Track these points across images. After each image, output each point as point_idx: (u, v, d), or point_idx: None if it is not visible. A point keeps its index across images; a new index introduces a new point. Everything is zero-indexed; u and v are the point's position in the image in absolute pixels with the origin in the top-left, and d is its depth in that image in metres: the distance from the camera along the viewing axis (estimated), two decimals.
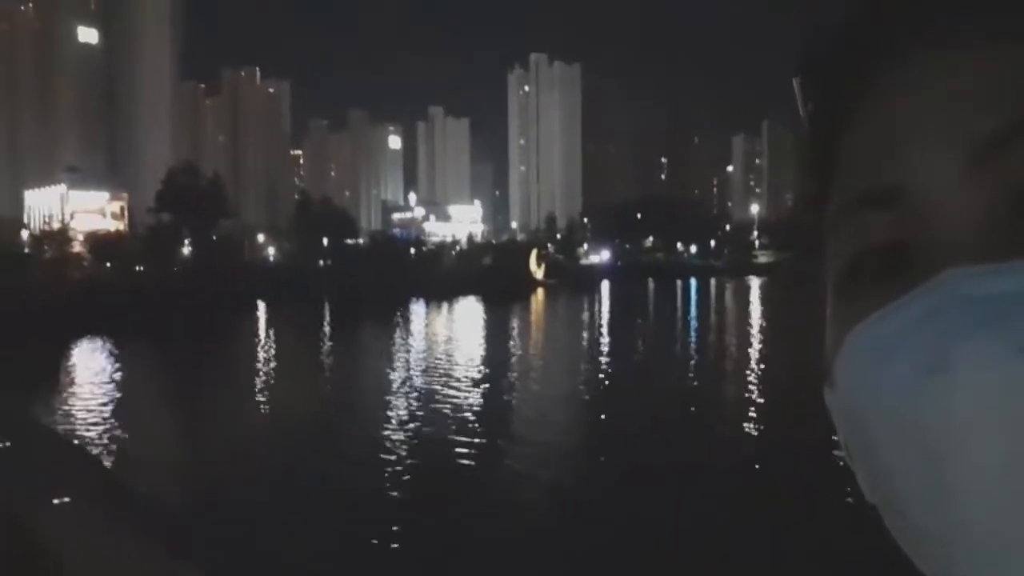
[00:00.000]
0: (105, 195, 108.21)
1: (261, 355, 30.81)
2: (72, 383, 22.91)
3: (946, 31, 0.35)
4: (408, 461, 13.28)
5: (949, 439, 0.31)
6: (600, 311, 56.49)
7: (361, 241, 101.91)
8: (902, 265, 0.35)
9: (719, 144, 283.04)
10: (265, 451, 14.18)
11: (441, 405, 18.18)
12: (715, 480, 11.69)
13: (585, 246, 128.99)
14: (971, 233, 0.33)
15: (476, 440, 14.71)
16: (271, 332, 41.62)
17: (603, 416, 17.40)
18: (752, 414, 17.05)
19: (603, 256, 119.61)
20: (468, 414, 17.34)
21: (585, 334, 38.51)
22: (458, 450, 13.89)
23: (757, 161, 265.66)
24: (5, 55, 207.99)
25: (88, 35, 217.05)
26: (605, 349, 31.64)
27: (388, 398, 19.42)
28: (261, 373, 25.22)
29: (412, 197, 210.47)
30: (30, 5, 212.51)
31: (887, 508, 0.35)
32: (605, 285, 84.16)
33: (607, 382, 22.59)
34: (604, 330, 41.34)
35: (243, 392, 20.65)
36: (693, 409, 17.88)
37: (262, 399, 20.56)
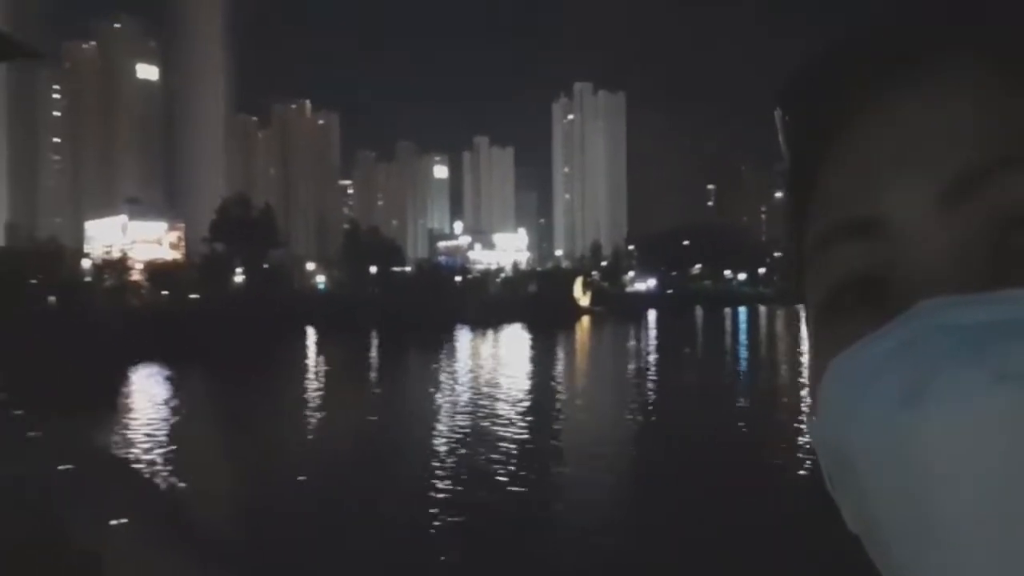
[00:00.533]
0: (163, 225, 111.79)
1: (311, 382, 31.19)
2: (130, 408, 23.48)
3: (925, 67, 0.36)
4: (457, 490, 13.19)
5: (927, 471, 0.31)
6: (647, 340, 55.81)
7: (408, 269, 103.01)
8: (880, 296, 0.36)
9: (767, 170, 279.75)
10: (317, 476, 14.24)
11: (488, 434, 18.07)
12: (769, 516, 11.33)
13: (631, 274, 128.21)
14: (947, 265, 0.34)
15: (523, 471, 14.55)
16: (320, 358, 42.17)
17: (652, 449, 17.07)
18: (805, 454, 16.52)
19: (649, 284, 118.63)
20: (515, 444, 17.19)
21: (632, 364, 38.04)
22: (506, 480, 13.75)
23: None
24: (69, 92, 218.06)
25: (147, 72, 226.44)
26: (652, 379, 31.17)
27: (435, 425, 19.40)
28: (312, 400, 25.49)
29: (458, 226, 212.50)
30: (93, 44, 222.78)
31: (869, 539, 0.35)
32: (652, 313, 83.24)
33: (655, 415, 22.19)
34: (651, 359, 40.79)
35: (295, 418, 20.88)
36: (743, 444, 17.43)
37: (314, 426, 20.75)
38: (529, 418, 20.89)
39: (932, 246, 0.34)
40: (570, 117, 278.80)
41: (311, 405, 24.41)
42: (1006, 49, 0.35)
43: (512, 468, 14.69)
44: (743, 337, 56.82)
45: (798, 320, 76.56)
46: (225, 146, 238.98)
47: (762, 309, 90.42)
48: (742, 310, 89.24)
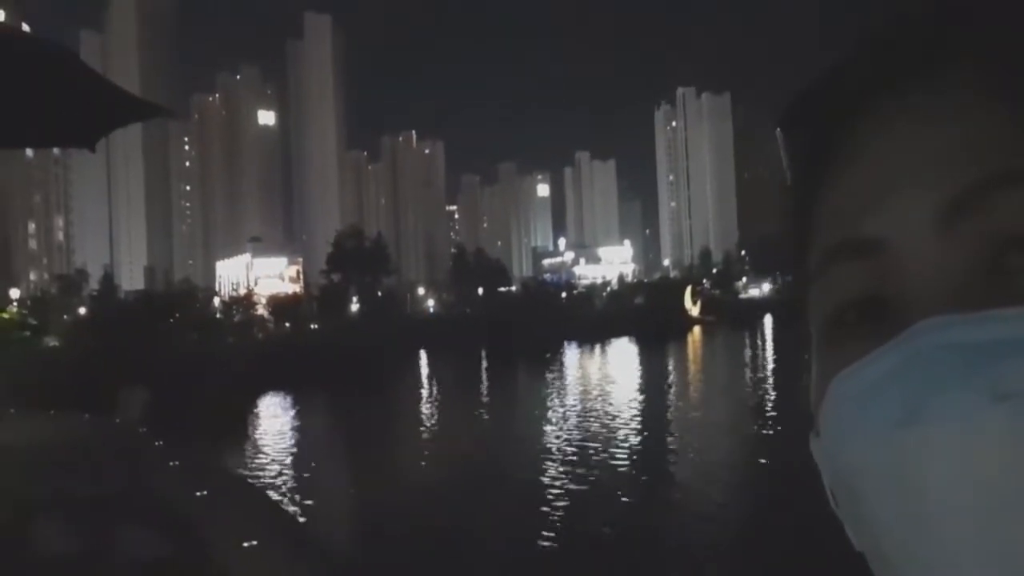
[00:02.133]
0: (283, 260, 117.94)
1: (425, 404, 32.27)
2: (258, 434, 25.11)
3: (922, 87, 0.37)
4: (572, 508, 13.38)
5: (926, 490, 0.31)
6: (763, 348, 53.98)
7: (514, 289, 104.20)
8: (881, 316, 0.36)
9: None
10: (433, 495, 14.77)
11: (598, 452, 18.15)
12: None
13: (744, 280, 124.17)
14: (945, 284, 0.34)
15: (637, 492, 14.56)
16: (433, 380, 43.45)
17: (769, 468, 16.64)
18: None
19: (763, 289, 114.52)
20: (627, 464, 17.19)
21: (748, 373, 36.97)
22: (621, 498, 13.82)
23: None
24: (197, 142, 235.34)
25: (267, 118, 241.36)
26: (770, 392, 30.21)
27: (544, 443, 19.67)
28: (426, 420, 26.42)
29: (562, 242, 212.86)
30: (216, 96, 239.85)
31: (874, 557, 0.35)
32: (767, 320, 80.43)
33: (774, 429, 21.55)
34: (768, 371, 39.47)
35: (411, 440, 21.73)
36: None
37: (429, 446, 21.51)
38: (637, 436, 20.81)
39: (930, 266, 0.35)
40: (673, 124, 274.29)
41: (424, 427, 25.26)
42: (1002, 68, 0.35)
43: (624, 487, 14.74)
44: None
45: None
46: (339, 181, 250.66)
47: None
48: None
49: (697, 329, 73.26)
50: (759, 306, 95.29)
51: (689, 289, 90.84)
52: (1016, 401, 0.30)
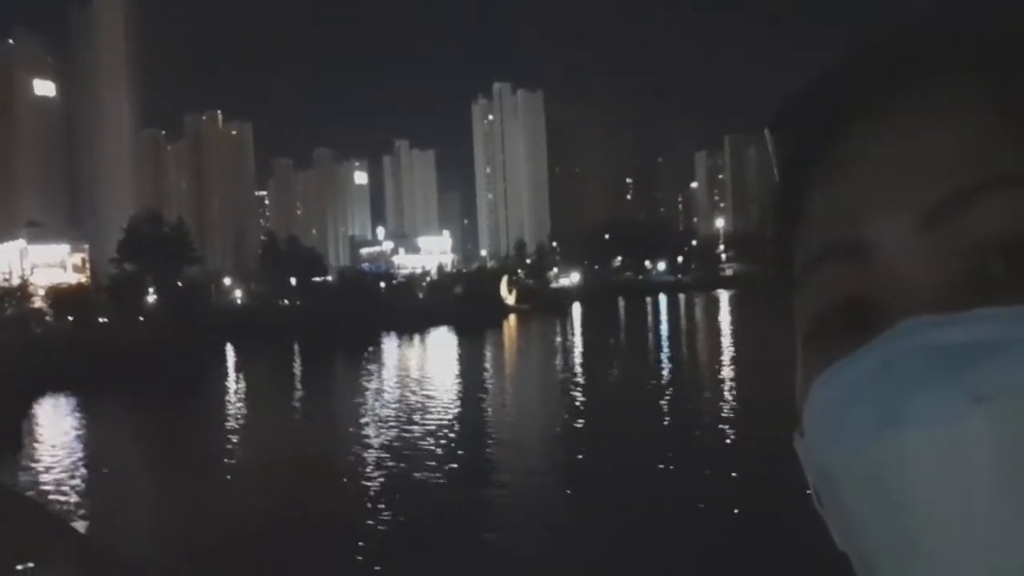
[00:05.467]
0: (65, 248, 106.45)
1: (232, 402, 30.44)
2: (35, 443, 22.43)
3: (911, 93, 0.37)
4: (386, 504, 13.23)
5: (906, 491, 0.31)
6: (572, 334, 56.67)
7: (330, 278, 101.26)
8: (865, 318, 0.37)
9: (682, 161, 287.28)
10: (243, 501, 14.00)
11: (413, 444, 18.11)
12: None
13: (555, 269, 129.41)
14: (929, 288, 0.35)
15: (450, 477, 14.69)
16: (241, 376, 41.14)
17: (581, 447, 17.45)
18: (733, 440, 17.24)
19: (573, 278, 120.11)
20: (442, 451, 17.31)
21: (559, 359, 38.63)
22: (435, 491, 13.86)
23: (720, 176, 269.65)
24: None
25: (44, 88, 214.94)
26: (579, 373, 31.75)
27: (360, 439, 19.30)
28: (233, 421, 24.91)
29: (380, 231, 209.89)
30: None
31: (856, 557, 0.36)
32: (577, 307, 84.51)
33: (582, 409, 22.66)
34: (577, 354, 41.49)
35: (216, 443, 20.37)
36: (669, 433, 18.04)
37: (237, 448, 20.32)
38: (455, 421, 21.02)
39: (914, 269, 0.35)
40: (490, 117, 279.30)
41: (231, 429, 23.85)
42: (993, 78, 0.36)
43: (439, 476, 14.81)
44: (663, 326, 58.36)
45: (716, 305, 79.26)
46: (132, 162, 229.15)
47: (681, 297, 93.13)
48: (663, 298, 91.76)
49: (513, 317, 75.41)
50: (569, 294, 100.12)
51: (505, 279, 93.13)
52: (994, 402, 0.30)
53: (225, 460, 18.13)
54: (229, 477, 16.21)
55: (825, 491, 0.36)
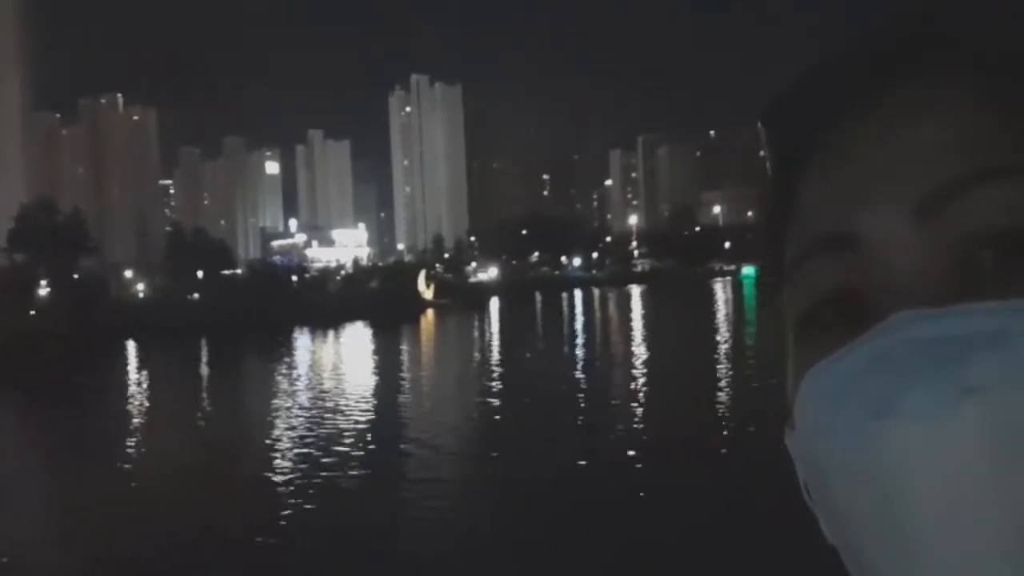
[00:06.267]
0: None
1: (128, 404, 28.77)
2: None
3: (901, 86, 0.37)
4: (294, 502, 12.70)
5: (896, 485, 0.31)
6: (490, 328, 56.71)
7: (239, 271, 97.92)
8: (856, 311, 0.37)
9: (597, 159, 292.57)
10: (146, 505, 13.16)
11: (327, 446, 17.53)
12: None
13: (473, 264, 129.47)
14: (919, 281, 0.35)
15: (363, 479, 14.29)
16: (141, 375, 39.11)
17: (499, 444, 17.34)
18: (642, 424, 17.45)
19: (491, 273, 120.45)
20: (357, 452, 16.84)
21: (477, 354, 38.48)
22: (346, 486, 13.43)
23: (633, 174, 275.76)
24: None
25: None
26: (496, 368, 31.70)
27: (270, 441, 18.56)
28: (127, 425, 23.45)
29: (293, 223, 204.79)
30: None
31: (845, 551, 0.36)
32: (494, 302, 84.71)
33: (500, 405, 22.57)
34: (495, 348, 41.48)
35: (113, 447, 19.09)
36: (581, 419, 18.14)
37: (135, 452, 19.15)
38: (371, 417, 20.54)
39: (905, 262, 0.35)
40: (407, 109, 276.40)
41: (132, 428, 22.54)
42: (981, 66, 0.36)
43: (352, 472, 14.37)
44: (578, 319, 59.19)
45: (628, 299, 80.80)
46: (22, 147, 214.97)
47: (596, 292, 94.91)
48: (578, 293, 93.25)
49: (431, 312, 74.80)
50: (487, 289, 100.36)
51: (423, 273, 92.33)
52: (985, 395, 0.30)
53: (119, 465, 16.97)
54: (116, 489, 14.79)
55: (815, 484, 0.36)
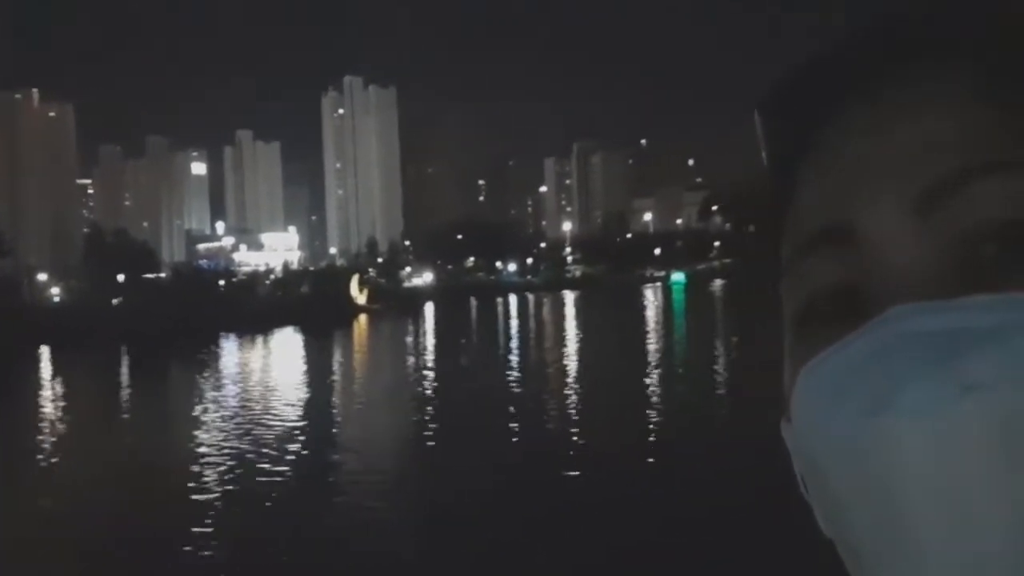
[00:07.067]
0: None
1: (39, 415, 27.30)
2: None
3: (901, 78, 0.37)
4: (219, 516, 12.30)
5: (896, 479, 0.31)
6: (424, 334, 56.32)
7: (163, 275, 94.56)
8: (854, 304, 0.36)
9: (532, 166, 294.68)
10: (63, 523, 12.50)
11: (253, 457, 17.05)
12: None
13: (408, 269, 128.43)
14: (918, 274, 0.35)
15: (287, 490, 13.96)
16: (54, 384, 37.23)
17: (430, 451, 17.20)
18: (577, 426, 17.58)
19: (426, 278, 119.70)
20: (286, 462, 16.44)
21: (411, 360, 38.13)
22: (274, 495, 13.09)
23: (567, 181, 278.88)
24: None
25: None
26: (430, 374, 31.48)
27: (194, 453, 17.92)
28: (36, 439, 22.20)
29: (220, 226, 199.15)
30: None
31: (842, 544, 0.36)
32: (429, 307, 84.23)
33: (433, 412, 22.40)
34: (429, 354, 41.19)
35: (14, 461, 18.10)
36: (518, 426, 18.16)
37: (41, 466, 18.18)
38: (298, 426, 20.08)
39: (903, 256, 0.35)
40: (340, 111, 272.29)
41: (32, 448, 21.28)
42: (981, 64, 0.36)
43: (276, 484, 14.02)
44: (513, 325, 59.37)
45: (561, 304, 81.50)
46: None
47: (530, 297, 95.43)
48: (512, 299, 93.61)
49: (364, 317, 73.81)
50: (422, 294, 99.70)
51: (356, 278, 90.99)
52: (984, 391, 0.30)
53: (22, 481, 16.08)
54: (24, 508, 13.96)
55: (812, 478, 0.36)
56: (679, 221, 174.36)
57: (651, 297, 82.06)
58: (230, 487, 14.25)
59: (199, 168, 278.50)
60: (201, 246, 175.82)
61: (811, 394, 0.35)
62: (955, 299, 0.33)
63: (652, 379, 25.28)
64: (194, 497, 13.50)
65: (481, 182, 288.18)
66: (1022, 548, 0.30)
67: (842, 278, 0.37)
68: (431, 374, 31.66)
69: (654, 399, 21.50)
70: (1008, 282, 0.33)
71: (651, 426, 17.41)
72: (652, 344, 36.82)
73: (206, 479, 14.92)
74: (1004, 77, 0.36)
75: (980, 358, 0.31)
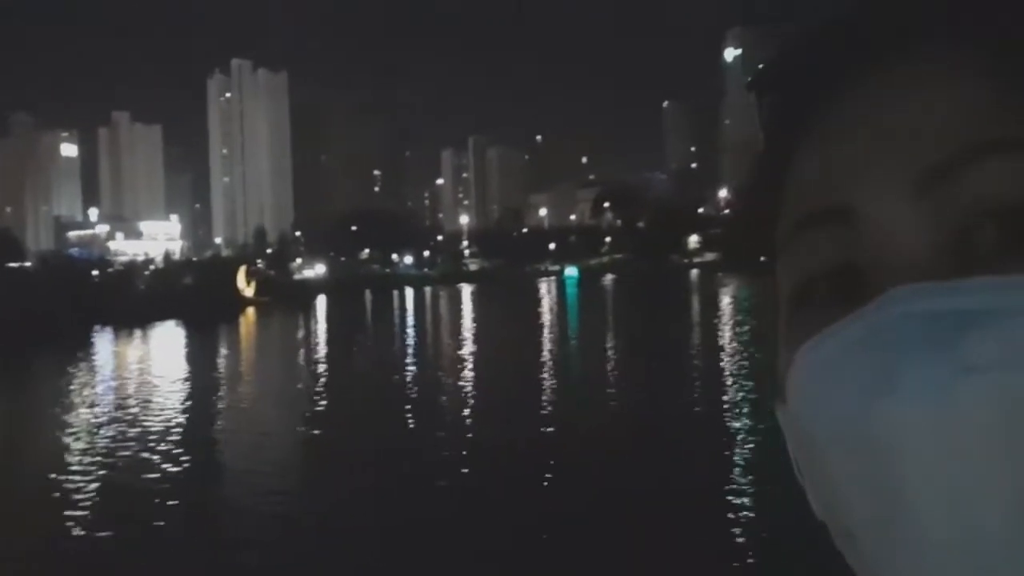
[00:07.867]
0: None
1: None
2: None
3: (901, 56, 0.37)
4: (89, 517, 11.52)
5: (894, 462, 0.31)
6: (316, 328, 54.94)
7: (28, 264, 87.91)
8: (853, 285, 0.36)
9: (429, 157, 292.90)
10: None
11: (130, 460, 16.10)
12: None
13: (299, 260, 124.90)
14: (920, 255, 0.34)
15: (170, 494, 13.27)
16: None
17: (318, 450, 16.80)
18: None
19: (319, 270, 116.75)
20: (168, 466, 15.61)
21: (301, 356, 37.09)
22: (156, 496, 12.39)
23: (465, 175, 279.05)
24: None
25: None
26: (320, 371, 30.71)
27: (64, 459, 16.72)
28: None
29: (93, 212, 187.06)
30: None
31: (836, 527, 0.35)
32: (321, 300, 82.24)
33: (322, 411, 21.87)
34: (320, 350, 40.22)
35: None
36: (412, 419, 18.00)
37: None
38: (181, 432, 19.15)
39: (903, 235, 0.35)
40: (227, 95, 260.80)
41: None
42: (983, 43, 0.35)
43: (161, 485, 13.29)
44: (409, 318, 58.87)
45: (459, 297, 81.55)
46: None
47: (427, 290, 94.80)
48: (409, 292, 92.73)
49: (252, 310, 71.17)
50: (314, 287, 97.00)
51: (243, 269, 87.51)
52: (984, 374, 0.30)
53: None
54: None
55: (807, 460, 0.36)
56: (573, 217, 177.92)
57: (545, 290, 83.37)
58: (107, 478, 13.37)
59: (70, 150, 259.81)
60: (72, 234, 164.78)
61: (810, 375, 0.35)
62: (956, 281, 0.32)
63: (546, 373, 25.66)
64: (70, 495, 12.59)
65: (377, 172, 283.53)
66: (1021, 529, 0.30)
67: (840, 258, 0.36)
68: (321, 369, 30.93)
69: (548, 392, 21.81)
70: (1009, 263, 0.32)
71: (545, 417, 17.66)
72: (547, 337, 37.39)
73: (80, 478, 13.96)
74: (1007, 56, 0.35)
75: (981, 340, 0.30)
